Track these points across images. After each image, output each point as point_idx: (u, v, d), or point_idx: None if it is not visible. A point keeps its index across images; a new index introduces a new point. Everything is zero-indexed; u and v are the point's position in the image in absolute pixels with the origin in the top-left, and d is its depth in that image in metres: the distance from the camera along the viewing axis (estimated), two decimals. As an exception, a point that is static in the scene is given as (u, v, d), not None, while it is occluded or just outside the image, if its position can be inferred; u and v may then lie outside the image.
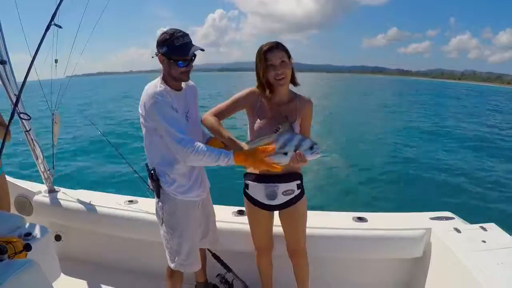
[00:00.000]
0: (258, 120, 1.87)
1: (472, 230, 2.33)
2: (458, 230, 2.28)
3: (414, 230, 2.34)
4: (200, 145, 1.64)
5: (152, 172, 1.84)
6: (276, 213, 2.11)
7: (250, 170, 1.97)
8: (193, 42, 1.73)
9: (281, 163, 1.68)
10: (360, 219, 2.44)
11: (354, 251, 2.34)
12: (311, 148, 1.65)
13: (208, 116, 1.85)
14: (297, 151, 1.65)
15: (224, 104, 1.90)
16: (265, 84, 1.84)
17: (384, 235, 2.33)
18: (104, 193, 2.89)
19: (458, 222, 2.48)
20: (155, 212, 1.98)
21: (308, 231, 2.17)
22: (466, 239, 2.18)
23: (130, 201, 2.66)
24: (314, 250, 2.27)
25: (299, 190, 1.98)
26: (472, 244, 2.12)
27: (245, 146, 1.72)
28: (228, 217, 2.45)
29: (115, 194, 2.85)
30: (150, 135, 1.78)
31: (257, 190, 1.96)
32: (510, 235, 2.26)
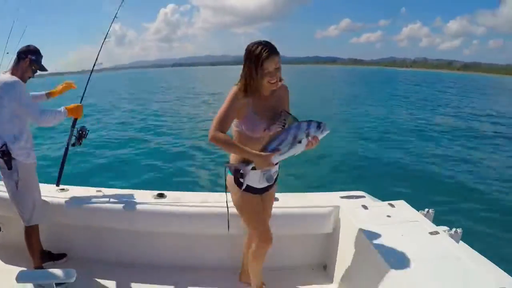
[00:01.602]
0: (254, 116, 1.89)
1: (379, 206, 2.56)
2: (365, 207, 2.50)
3: (324, 207, 2.51)
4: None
5: (4, 147, 2.23)
6: None
7: (235, 164, 1.98)
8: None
9: (297, 151, 1.84)
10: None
11: (271, 227, 2.29)
12: (319, 127, 1.78)
13: (216, 134, 1.85)
14: (309, 135, 1.78)
15: (222, 113, 1.87)
16: (252, 86, 1.83)
17: (296, 212, 2.50)
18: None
19: (367, 200, 2.67)
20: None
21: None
22: (371, 215, 2.39)
23: (62, 189, 2.69)
24: (238, 230, 2.36)
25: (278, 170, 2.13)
26: (377, 219, 2.32)
27: (263, 154, 1.84)
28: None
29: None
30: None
31: (255, 178, 2.01)
32: (418, 210, 2.50)
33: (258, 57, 1.74)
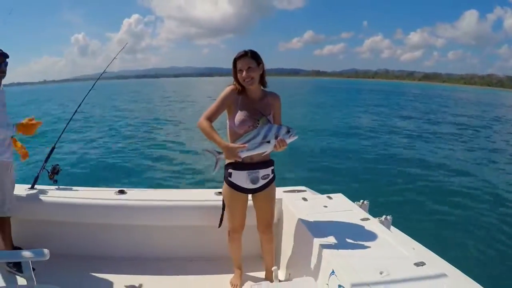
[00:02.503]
0: (241, 113, 2.16)
1: (318, 199, 2.83)
2: (305, 199, 2.76)
3: None
4: None
5: None
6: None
7: (229, 160, 2.22)
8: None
9: (267, 151, 2.06)
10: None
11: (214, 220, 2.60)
12: (288, 132, 1.99)
13: (202, 120, 2.15)
14: (278, 137, 1.98)
15: (213, 106, 2.19)
16: (240, 85, 2.18)
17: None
18: None
19: (308, 193, 2.95)
20: None
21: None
22: (309, 206, 2.63)
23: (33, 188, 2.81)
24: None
25: (273, 175, 2.34)
26: (314, 209, 2.56)
27: (231, 144, 2.09)
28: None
29: None
30: None
31: (240, 177, 2.24)
32: (354, 202, 2.77)
33: (234, 57, 2.15)
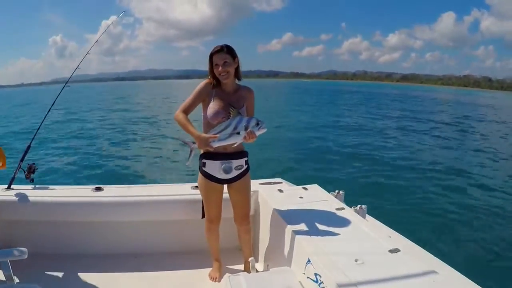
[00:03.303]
0: (214, 105, 2.23)
1: (294, 190, 2.86)
2: (281, 191, 2.79)
3: None
4: None
5: None
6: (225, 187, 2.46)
7: (204, 150, 2.27)
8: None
9: (236, 142, 2.09)
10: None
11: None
12: (257, 124, 2.03)
13: (178, 113, 2.23)
14: (248, 129, 2.03)
15: (188, 99, 2.26)
16: (214, 79, 2.25)
17: None
18: None
19: (284, 185, 3.00)
20: None
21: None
22: (285, 197, 2.67)
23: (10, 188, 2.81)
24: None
25: (246, 166, 2.40)
26: (289, 200, 2.59)
27: (202, 135, 2.12)
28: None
29: None
30: None
31: (214, 167, 2.31)
32: (329, 192, 2.79)
33: (211, 52, 2.22)
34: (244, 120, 2.07)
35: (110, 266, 2.72)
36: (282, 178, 3.26)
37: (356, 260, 1.72)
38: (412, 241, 2.37)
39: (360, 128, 17.15)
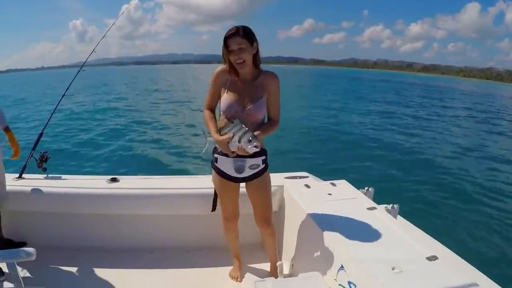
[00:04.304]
0: (227, 97, 2.00)
1: (321, 186, 2.68)
2: (308, 186, 2.62)
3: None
4: None
5: None
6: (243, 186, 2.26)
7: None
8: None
9: (233, 150, 1.93)
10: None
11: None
12: (250, 141, 1.86)
13: (204, 110, 2.10)
14: (240, 143, 1.87)
15: (208, 94, 2.09)
16: (230, 65, 1.98)
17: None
18: None
19: (310, 180, 2.81)
20: None
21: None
22: (313, 193, 2.49)
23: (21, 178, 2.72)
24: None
25: (264, 165, 2.14)
26: (317, 197, 2.42)
27: (219, 137, 1.95)
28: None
29: None
30: None
31: (226, 164, 2.09)
32: (359, 189, 2.63)
33: (225, 36, 1.91)
34: (240, 132, 1.89)
35: (125, 261, 2.62)
36: (307, 171, 3.05)
37: (393, 269, 1.58)
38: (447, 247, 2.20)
39: (385, 121, 16.27)
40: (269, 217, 2.32)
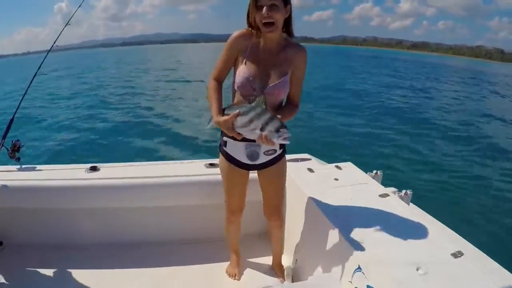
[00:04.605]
0: (246, 68, 1.66)
1: (326, 169, 2.46)
2: (311, 170, 2.40)
3: None
4: None
5: None
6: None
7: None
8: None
9: (248, 135, 1.61)
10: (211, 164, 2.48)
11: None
12: (277, 131, 1.49)
13: (210, 81, 1.75)
14: (264, 132, 1.51)
15: (219, 60, 1.74)
16: (253, 26, 1.65)
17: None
18: None
19: (313, 162, 2.59)
20: None
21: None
22: (318, 179, 2.28)
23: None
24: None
25: (281, 150, 1.87)
26: (323, 182, 2.21)
27: (220, 118, 1.61)
28: None
29: None
30: None
31: (237, 149, 1.80)
32: (366, 172, 2.44)
33: None
34: (264, 117, 1.51)
35: (110, 259, 2.39)
36: (308, 153, 2.79)
37: (417, 269, 1.40)
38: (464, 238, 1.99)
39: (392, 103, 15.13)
40: (280, 207, 2.09)
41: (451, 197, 5.48)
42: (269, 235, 2.27)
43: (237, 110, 1.57)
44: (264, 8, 1.54)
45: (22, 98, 2.56)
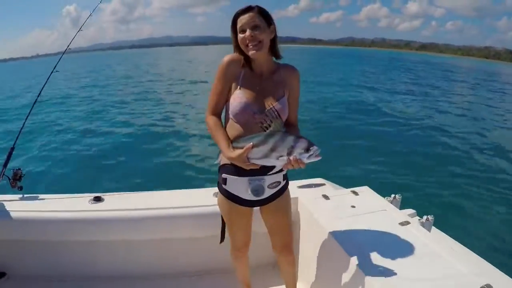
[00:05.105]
0: (241, 94, 1.58)
1: (342, 195, 2.32)
2: (326, 197, 2.27)
3: None
4: None
5: None
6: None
7: (226, 161, 1.65)
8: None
9: (271, 165, 1.52)
10: None
11: None
12: (307, 150, 1.41)
13: (207, 117, 1.65)
14: (292, 155, 1.41)
15: (212, 94, 1.64)
16: (242, 53, 1.59)
17: None
18: None
19: (328, 188, 2.47)
20: None
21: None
22: (333, 206, 2.16)
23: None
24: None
25: (285, 181, 1.77)
26: (339, 210, 2.10)
27: (232, 154, 1.51)
28: None
29: None
30: None
31: (239, 185, 1.66)
32: (384, 197, 2.32)
33: (234, 15, 1.55)
34: (289, 140, 1.42)
35: None
36: (320, 176, 2.67)
37: None
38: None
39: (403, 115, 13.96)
40: (290, 243, 1.94)
41: (476, 219, 5.16)
42: (280, 271, 2.10)
43: (250, 142, 1.46)
44: (248, 30, 1.51)
45: (23, 126, 2.48)
